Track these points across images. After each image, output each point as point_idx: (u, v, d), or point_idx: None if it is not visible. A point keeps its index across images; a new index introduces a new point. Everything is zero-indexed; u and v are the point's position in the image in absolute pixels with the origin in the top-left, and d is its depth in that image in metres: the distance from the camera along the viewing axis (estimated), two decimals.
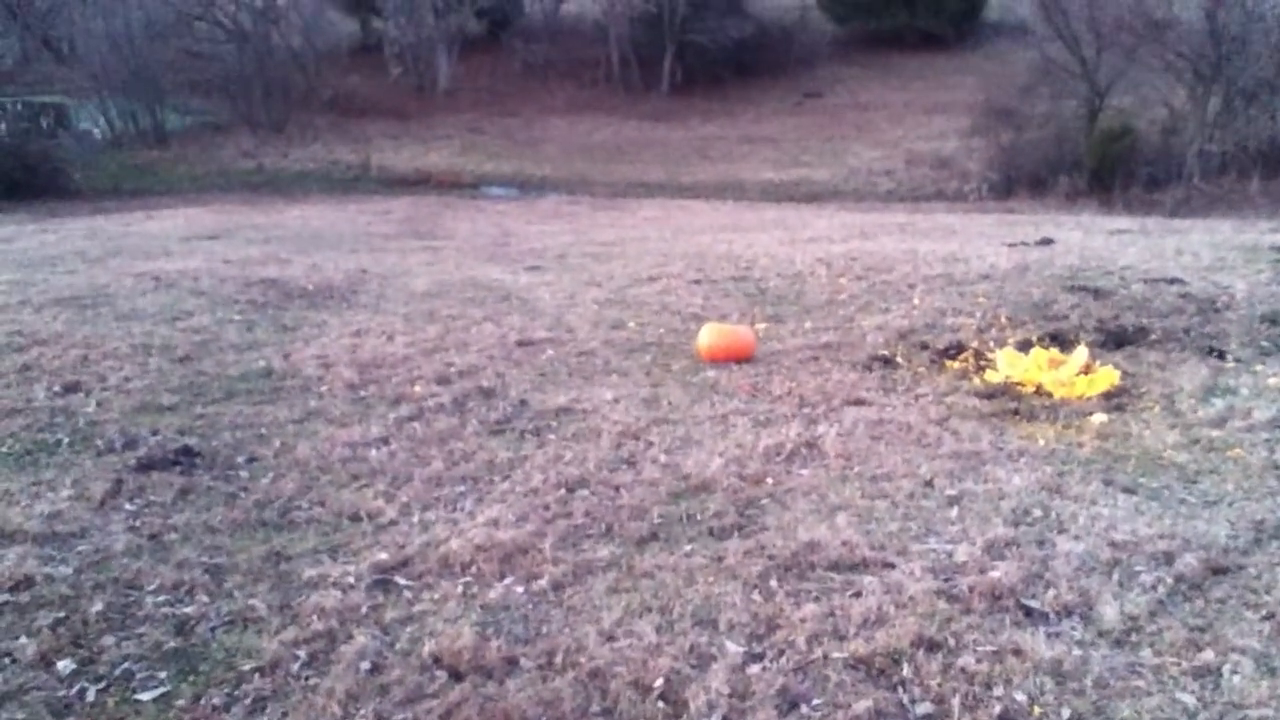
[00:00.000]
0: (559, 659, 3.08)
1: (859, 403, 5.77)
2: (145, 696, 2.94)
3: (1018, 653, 3.05)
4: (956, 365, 6.59)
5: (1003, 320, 7.55)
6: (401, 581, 3.63)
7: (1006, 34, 37.08)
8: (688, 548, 3.87)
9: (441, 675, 3.00)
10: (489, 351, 7.06)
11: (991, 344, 6.95)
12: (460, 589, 3.56)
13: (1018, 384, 6.07)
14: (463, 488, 4.55)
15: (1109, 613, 3.27)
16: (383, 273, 10.66)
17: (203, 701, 2.91)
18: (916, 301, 8.34)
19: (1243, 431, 5.16)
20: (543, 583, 3.58)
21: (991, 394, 5.92)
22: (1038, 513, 4.14)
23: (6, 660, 3.09)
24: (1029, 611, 3.32)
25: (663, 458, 4.87)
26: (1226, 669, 2.97)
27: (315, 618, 3.33)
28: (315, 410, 5.72)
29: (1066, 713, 2.78)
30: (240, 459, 4.91)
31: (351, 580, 3.62)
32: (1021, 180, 23.44)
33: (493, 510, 4.21)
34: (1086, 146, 23.31)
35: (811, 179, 27.23)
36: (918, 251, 11.09)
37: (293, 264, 10.96)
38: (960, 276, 9.23)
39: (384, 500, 4.38)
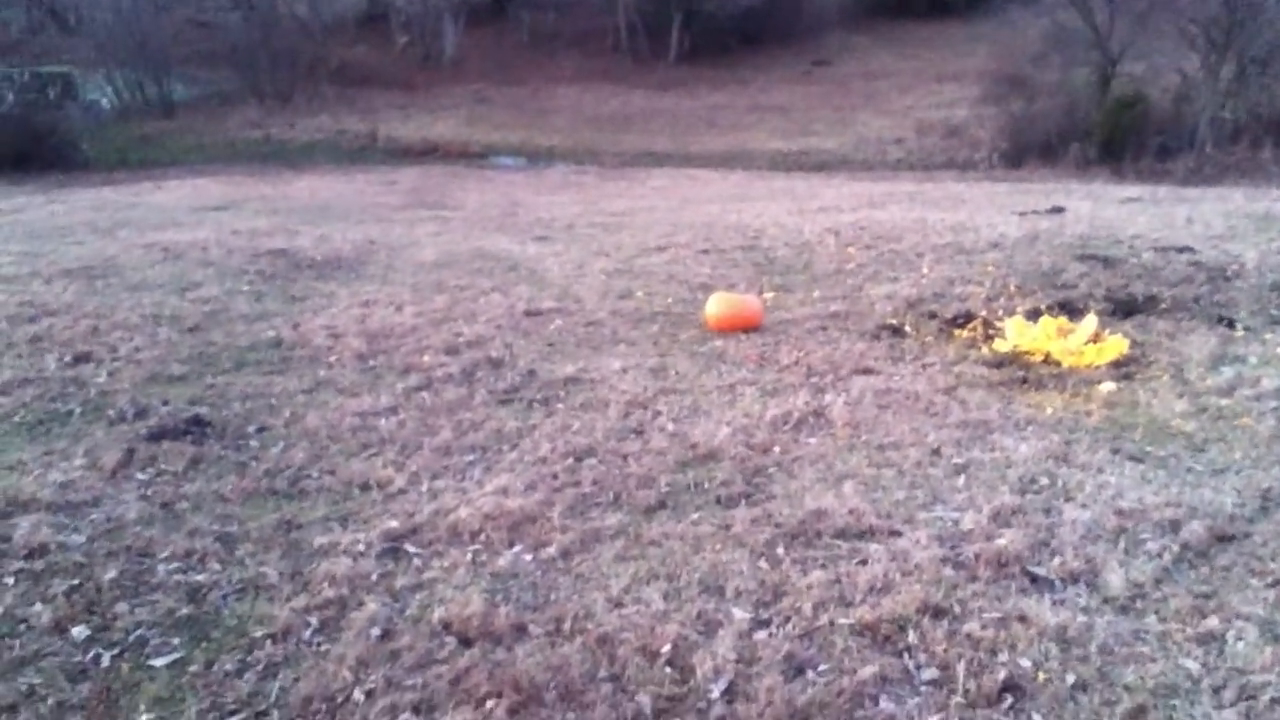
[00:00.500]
0: (567, 626, 3.10)
1: (867, 372, 5.78)
2: (158, 662, 2.97)
3: (1023, 619, 3.06)
4: (965, 334, 6.58)
5: (1012, 289, 7.53)
6: (411, 549, 3.66)
7: (1018, 2, 36.75)
8: (695, 516, 3.89)
9: (451, 642, 3.03)
10: (497, 321, 7.07)
11: (1000, 313, 6.94)
12: (469, 557, 3.59)
13: (1026, 353, 6.06)
14: (471, 457, 4.57)
15: (1114, 580, 3.28)
16: (391, 243, 10.66)
17: (215, 668, 2.94)
18: (925, 270, 8.32)
19: (1251, 400, 5.15)
20: (551, 550, 3.61)
21: (1000, 363, 5.92)
22: (1045, 481, 4.15)
23: (22, 626, 3.13)
24: (1035, 579, 3.33)
25: (670, 427, 4.88)
26: (1231, 635, 2.98)
27: (326, 585, 3.36)
28: (325, 380, 5.75)
29: (1071, 679, 2.80)
30: (250, 428, 4.94)
31: (361, 548, 3.65)
32: (1032, 149, 23.24)
33: (501, 479, 4.24)
34: (1098, 115, 23.10)
35: (820, 148, 27.07)
36: (927, 220, 11.04)
37: (301, 235, 10.96)
38: (969, 245, 9.19)
39: (393, 469, 4.40)
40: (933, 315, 7.03)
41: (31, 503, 3.99)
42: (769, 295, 7.85)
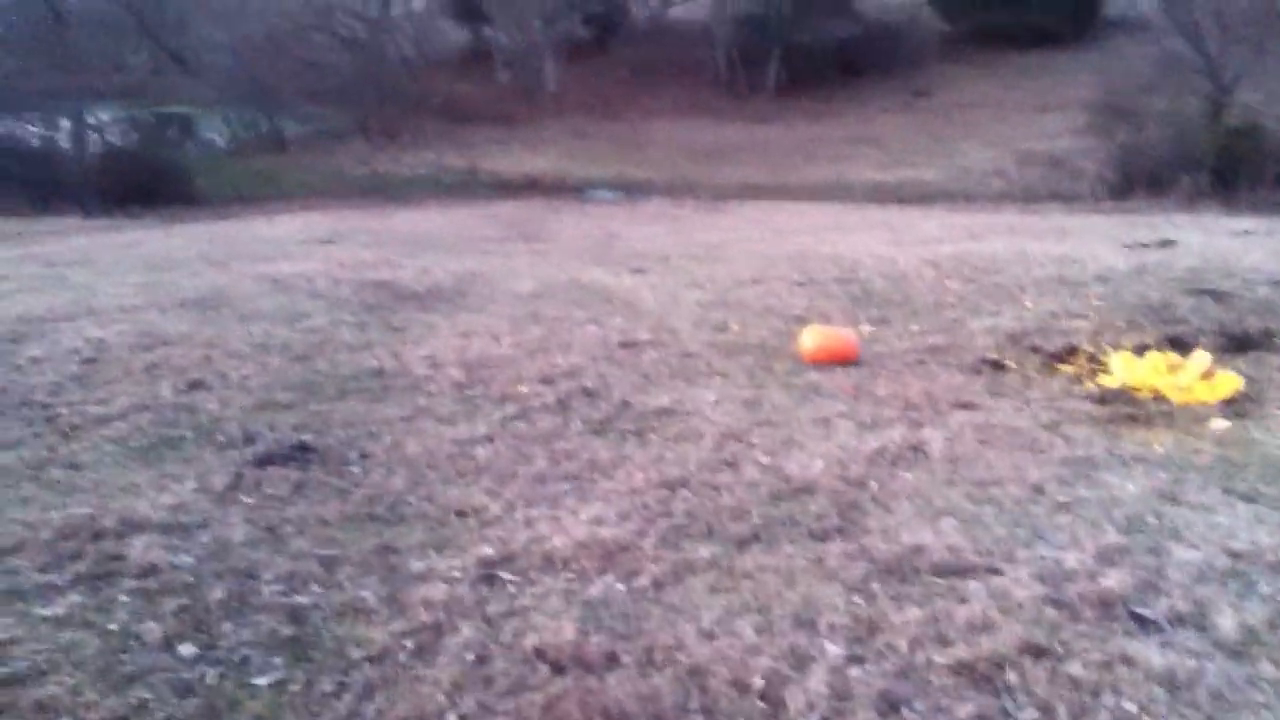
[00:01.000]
0: (659, 656, 3.10)
1: (966, 406, 5.67)
2: (261, 681, 3.05)
3: (1128, 662, 2.96)
4: (1069, 369, 6.42)
5: (1118, 323, 7.32)
6: (505, 576, 3.70)
7: (1125, 29, 35.93)
8: (788, 549, 3.85)
9: (544, 668, 3.05)
10: (592, 352, 7.13)
11: (1106, 347, 6.75)
12: (562, 585, 3.61)
13: (1134, 389, 5.88)
14: (565, 486, 4.61)
15: (1226, 623, 3.15)
16: (489, 275, 10.86)
17: (314, 688, 3.01)
18: (1028, 304, 8.14)
19: None
20: (643, 580, 3.61)
21: (1106, 399, 5.75)
22: (1152, 520, 4.01)
23: (134, 642, 3.24)
24: (1141, 620, 3.22)
25: (764, 459, 4.86)
26: None
27: (422, 609, 3.42)
28: (424, 409, 5.87)
29: None
30: (352, 455, 5.07)
31: (457, 574, 3.70)
32: (1140, 180, 22.59)
33: (595, 508, 4.26)
34: (1210, 145, 22.34)
35: (919, 179, 26.75)
36: (1029, 252, 10.81)
37: (403, 267, 11.24)
38: (1074, 278, 8.97)
39: (489, 497, 4.47)
40: (1035, 349, 6.87)
41: (145, 523, 4.14)
42: (865, 328, 7.77)
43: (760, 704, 2.85)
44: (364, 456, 5.05)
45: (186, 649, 3.21)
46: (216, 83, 34.61)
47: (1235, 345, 6.71)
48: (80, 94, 35.09)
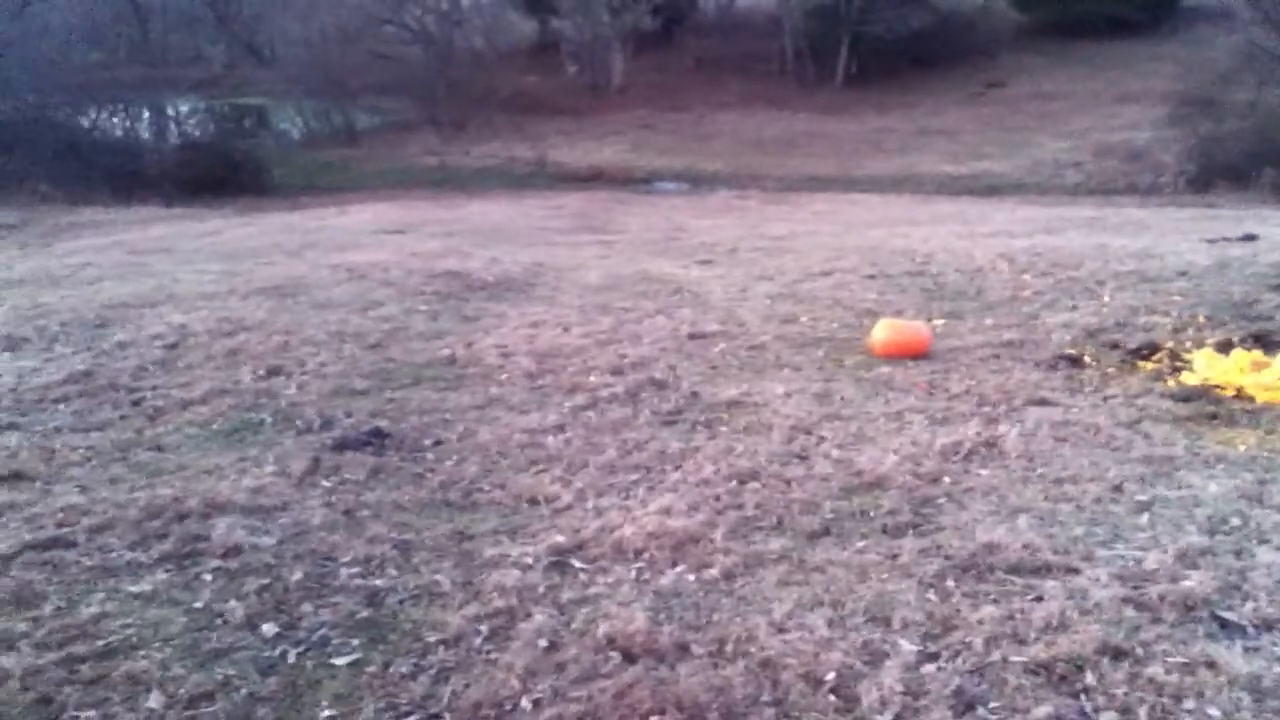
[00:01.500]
0: (730, 647, 3.10)
1: (1043, 403, 5.57)
2: (339, 661, 3.12)
3: (1211, 665, 2.89)
4: (1149, 366, 6.27)
5: (1200, 320, 7.13)
6: (577, 564, 3.73)
7: (1206, 18, 34.86)
8: (860, 544, 3.83)
9: (615, 657, 3.07)
10: (661, 343, 7.14)
11: (1188, 344, 6.58)
12: (633, 574, 3.63)
13: (1216, 387, 5.72)
14: (635, 476, 4.63)
15: None
16: (558, 266, 10.92)
17: (391, 669, 3.07)
18: (1106, 299, 7.97)
19: None
20: (714, 572, 3.62)
21: (1187, 397, 5.60)
22: (1236, 521, 3.91)
23: (218, 620, 3.34)
24: (1224, 624, 3.14)
25: (835, 453, 4.83)
26: None
27: (496, 595, 3.46)
28: (495, 397, 5.93)
29: None
30: (426, 442, 5.14)
31: (530, 561, 3.74)
32: (1221, 173, 21.97)
33: (664, 499, 4.27)
34: None
35: (991, 171, 26.30)
36: (1108, 247, 10.58)
37: (473, 257, 11.35)
38: (1154, 273, 8.76)
39: (560, 485, 4.50)
40: (1114, 345, 6.72)
41: (228, 505, 4.25)
42: (938, 322, 7.67)
43: (832, 699, 2.84)
44: (438, 443, 5.13)
45: (268, 628, 3.29)
46: (290, 75, 35.30)
47: None
48: (160, 86, 36.05)
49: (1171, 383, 5.90)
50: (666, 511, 4.12)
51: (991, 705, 2.79)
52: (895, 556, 3.69)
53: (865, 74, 38.97)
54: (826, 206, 20.44)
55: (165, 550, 3.83)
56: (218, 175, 24.72)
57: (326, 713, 2.87)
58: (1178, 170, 23.01)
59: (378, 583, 3.61)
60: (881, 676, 2.91)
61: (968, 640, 3.09)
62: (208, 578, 3.64)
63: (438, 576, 3.64)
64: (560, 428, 5.34)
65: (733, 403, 5.73)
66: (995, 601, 3.33)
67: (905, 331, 6.88)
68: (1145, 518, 3.98)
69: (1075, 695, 2.82)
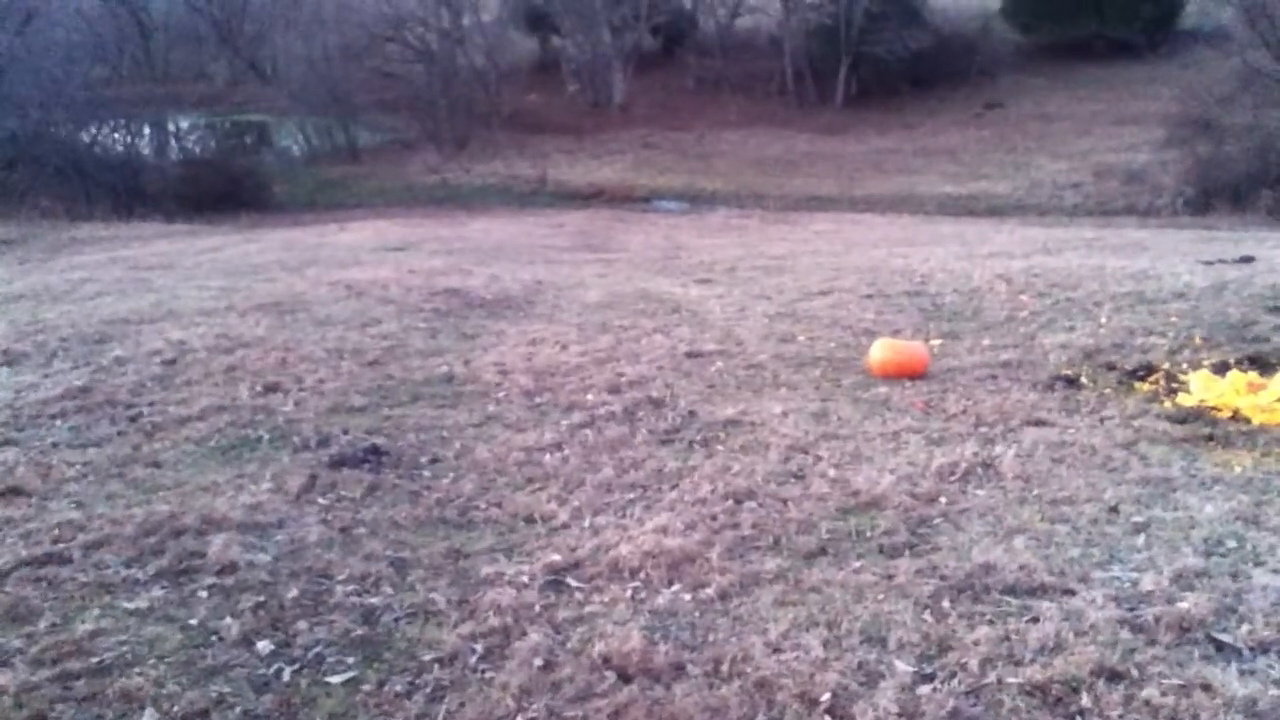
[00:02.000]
0: (725, 667, 3.10)
1: (1039, 423, 5.57)
2: (335, 680, 3.12)
3: (1207, 688, 2.89)
4: (1146, 387, 6.28)
5: (1197, 341, 7.14)
6: (573, 583, 3.73)
7: (1204, 41, 35.01)
8: (857, 564, 3.83)
9: (610, 676, 3.07)
10: (659, 362, 7.15)
11: (1185, 366, 6.59)
12: (629, 593, 3.63)
13: (1213, 408, 5.73)
14: (632, 495, 4.63)
15: None
16: (557, 284, 10.94)
17: (386, 688, 3.06)
18: (1104, 320, 7.99)
19: None
20: (710, 591, 3.61)
21: (1184, 418, 5.61)
22: (1232, 543, 3.91)
23: (214, 638, 3.33)
24: (1220, 646, 3.14)
25: (832, 472, 4.83)
26: None
27: (491, 613, 3.46)
28: (493, 415, 5.94)
29: None
30: (423, 459, 5.15)
31: (526, 579, 3.74)
32: (1220, 195, 22.07)
33: (661, 518, 4.27)
34: None
35: (991, 192, 26.41)
36: (1105, 268, 10.61)
37: (473, 275, 11.38)
38: (1151, 295, 8.78)
39: (557, 504, 4.50)
40: (1111, 366, 6.73)
41: (224, 522, 4.25)
42: (936, 342, 7.69)
43: (828, 719, 2.83)
44: (435, 461, 5.13)
45: (263, 645, 3.29)
46: (293, 92, 35.46)
47: None
48: (163, 103, 36.20)
49: (1168, 404, 5.90)
50: (663, 530, 4.12)
51: None
52: (891, 577, 3.69)
53: (866, 95, 39.18)
54: (826, 226, 20.50)
55: (161, 567, 3.82)
56: (219, 191, 24.85)
57: None
58: (1176, 192, 23.11)
59: (373, 601, 3.61)
60: (877, 697, 2.90)
61: (963, 661, 3.08)
62: (203, 594, 3.63)
63: (433, 595, 3.64)
64: (558, 446, 5.34)
65: (730, 422, 5.74)
66: (991, 622, 3.32)
67: (903, 351, 6.89)
68: (1141, 539, 3.98)
69: (1071, 717, 2.81)
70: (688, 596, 3.60)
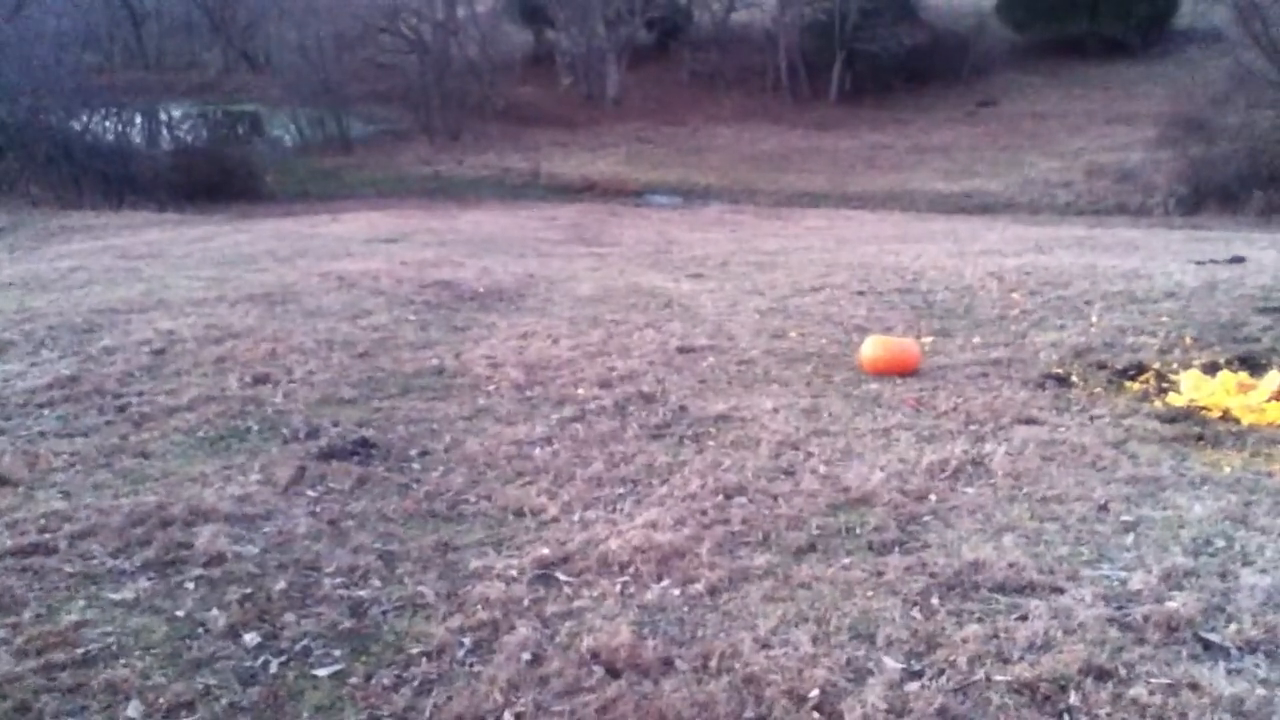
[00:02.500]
0: (714, 663, 3.09)
1: (1030, 421, 5.58)
2: (321, 672, 3.10)
3: (1195, 687, 2.89)
4: (1136, 386, 6.29)
5: (1188, 341, 7.16)
6: (562, 577, 3.72)
7: (1198, 41, 35.17)
8: (846, 560, 3.83)
9: (599, 671, 3.06)
10: (650, 357, 7.14)
11: (1175, 365, 6.61)
12: (618, 588, 3.62)
13: (1203, 408, 5.74)
14: (622, 489, 4.63)
15: None
16: (550, 277, 10.92)
17: (373, 681, 3.05)
18: (1094, 319, 8.00)
19: None
20: (699, 587, 3.61)
21: (1174, 418, 5.62)
22: (1221, 543, 3.92)
23: (200, 629, 3.32)
24: (1208, 645, 3.14)
25: (822, 469, 4.83)
26: None
27: (480, 607, 3.45)
28: (484, 408, 5.92)
29: None
30: (413, 452, 5.13)
31: (515, 573, 3.73)
32: (1211, 195, 22.13)
33: (651, 513, 4.26)
34: None
35: (984, 190, 26.45)
36: (1097, 267, 10.63)
37: (465, 267, 11.35)
38: (1142, 294, 8.80)
39: (547, 498, 4.49)
40: (1102, 365, 6.74)
41: (211, 513, 4.23)
42: (927, 339, 7.69)
43: (816, 715, 2.83)
44: (424, 454, 5.12)
45: (250, 637, 3.27)
46: (285, 82, 35.33)
47: None
48: (155, 91, 36.02)
49: (1158, 403, 5.92)
50: (653, 525, 4.11)
51: None
52: (881, 574, 3.68)
53: (860, 91, 39.19)
54: (819, 222, 20.50)
55: (148, 558, 3.80)
56: (211, 181, 24.75)
57: None
58: (1168, 191, 23.16)
59: (361, 593, 3.60)
60: (865, 694, 2.90)
61: (952, 659, 3.08)
62: (190, 586, 3.61)
63: (422, 588, 3.63)
64: (548, 440, 5.32)
65: (721, 417, 5.73)
66: (980, 620, 3.32)
67: (895, 348, 6.89)
68: (1130, 538, 3.98)
69: (1058, 715, 2.82)
70: (677, 592, 3.59)
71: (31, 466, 4.76)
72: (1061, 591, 3.51)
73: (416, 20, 37.43)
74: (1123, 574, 3.64)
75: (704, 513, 4.28)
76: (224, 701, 2.93)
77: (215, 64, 44.55)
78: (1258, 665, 3.04)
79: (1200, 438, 5.30)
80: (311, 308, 8.64)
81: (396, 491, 4.60)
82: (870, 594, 3.53)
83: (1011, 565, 3.68)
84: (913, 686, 2.95)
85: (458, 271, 10.93)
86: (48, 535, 3.94)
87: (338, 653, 3.21)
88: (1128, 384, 6.36)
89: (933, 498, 4.45)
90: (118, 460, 4.90)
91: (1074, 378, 6.51)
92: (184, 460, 4.94)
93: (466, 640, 3.25)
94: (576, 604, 3.51)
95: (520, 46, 44.25)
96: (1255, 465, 4.86)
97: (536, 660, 3.12)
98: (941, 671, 3.02)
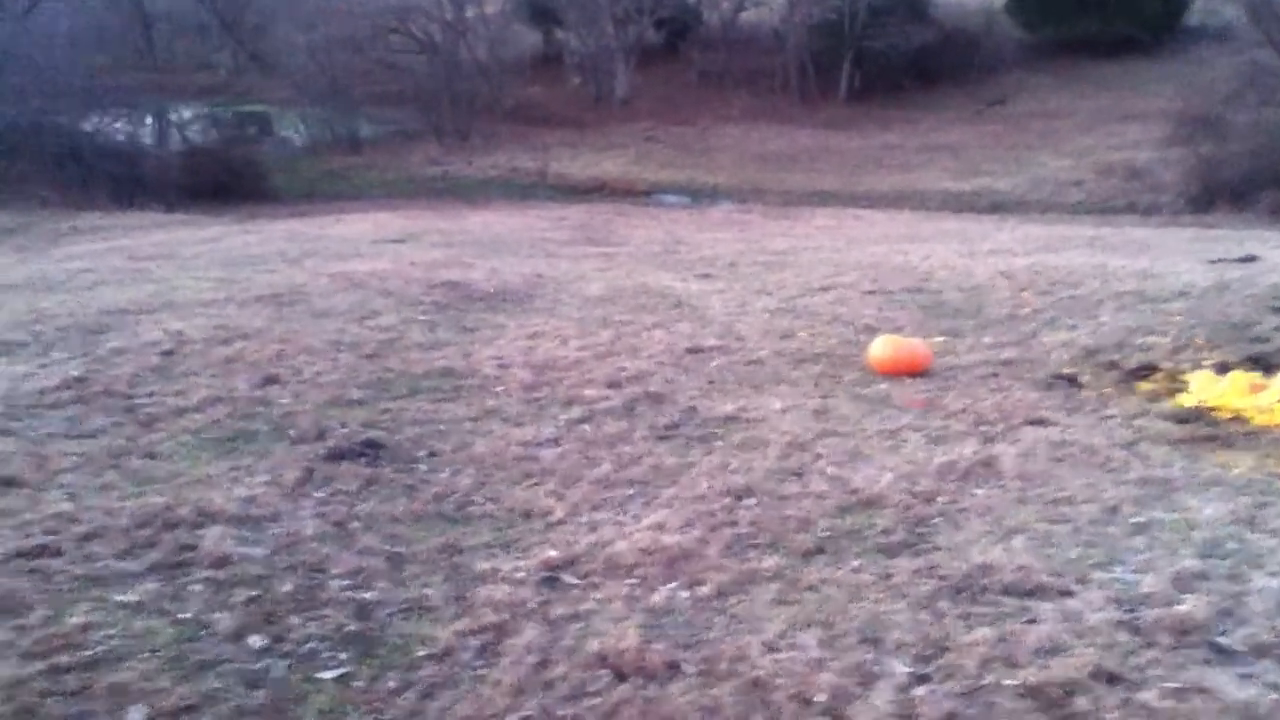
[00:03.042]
0: (721, 666, 3.08)
1: (1040, 422, 5.55)
2: (327, 675, 3.09)
3: (1206, 692, 2.87)
4: (1147, 387, 6.25)
5: (1199, 341, 7.11)
6: (569, 580, 3.71)
7: (1209, 39, 34.96)
8: (855, 563, 3.81)
9: (605, 674, 3.05)
10: (659, 357, 7.13)
11: (1186, 366, 6.56)
12: (625, 590, 3.61)
13: (1214, 409, 5.70)
14: (630, 491, 4.61)
15: None
16: (558, 278, 10.91)
17: (379, 684, 3.04)
18: (1105, 319, 7.95)
19: None
20: (706, 589, 3.59)
21: (1185, 418, 5.58)
22: (1232, 545, 3.88)
23: (205, 632, 3.31)
24: (1219, 649, 3.12)
25: (831, 470, 4.81)
26: None
27: (487, 610, 3.44)
28: (492, 409, 5.91)
29: None
30: (421, 453, 5.12)
31: (522, 575, 3.72)
32: (1222, 193, 22.01)
33: (659, 515, 4.25)
34: None
35: (993, 189, 26.35)
36: (1107, 266, 10.57)
37: (474, 268, 11.34)
38: (1153, 294, 8.75)
39: (554, 499, 4.48)
40: (1112, 365, 6.71)
41: (219, 514, 4.22)
42: (937, 339, 7.66)
43: None
44: (432, 455, 5.11)
45: (255, 640, 3.26)
46: (295, 83, 35.35)
47: None
48: (165, 92, 36.13)
49: (1169, 404, 5.88)
50: (660, 527, 4.10)
51: None
52: (889, 576, 3.66)
53: (869, 90, 39.08)
54: (828, 222, 20.45)
55: (154, 559, 3.79)
56: (219, 181, 24.81)
57: None
58: (1178, 190, 23.06)
59: (368, 596, 3.59)
60: (873, 698, 2.88)
61: (960, 662, 3.06)
62: (196, 588, 3.60)
63: (428, 590, 3.62)
64: (556, 441, 5.31)
65: (729, 418, 5.71)
66: (989, 623, 3.30)
67: (904, 349, 6.86)
68: (1141, 540, 3.95)
69: None
70: (684, 594, 3.57)
71: (39, 468, 4.75)
72: (1071, 594, 3.48)
73: (426, 21, 37.43)
74: (1133, 577, 3.62)
75: (712, 514, 4.27)
76: (229, 705, 2.92)
77: (226, 65, 44.62)
78: (1269, 670, 3.01)
79: (1211, 439, 5.27)
80: (320, 308, 8.64)
81: (404, 493, 4.59)
82: (878, 597, 3.51)
83: (1021, 568, 3.65)
84: (921, 691, 2.93)
85: (466, 272, 10.92)
86: (54, 537, 3.94)
87: (343, 655, 3.20)
88: (1139, 384, 6.32)
89: (942, 499, 4.43)
90: (125, 461, 4.90)
91: (1084, 378, 6.47)
92: (191, 461, 4.94)
93: (473, 643, 3.24)
94: (583, 607, 3.49)
95: (529, 47, 44.22)
96: (1267, 467, 4.82)
97: (543, 664, 3.11)
98: (950, 675, 3.00)
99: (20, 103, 23.33)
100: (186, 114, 37.39)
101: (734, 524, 4.17)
